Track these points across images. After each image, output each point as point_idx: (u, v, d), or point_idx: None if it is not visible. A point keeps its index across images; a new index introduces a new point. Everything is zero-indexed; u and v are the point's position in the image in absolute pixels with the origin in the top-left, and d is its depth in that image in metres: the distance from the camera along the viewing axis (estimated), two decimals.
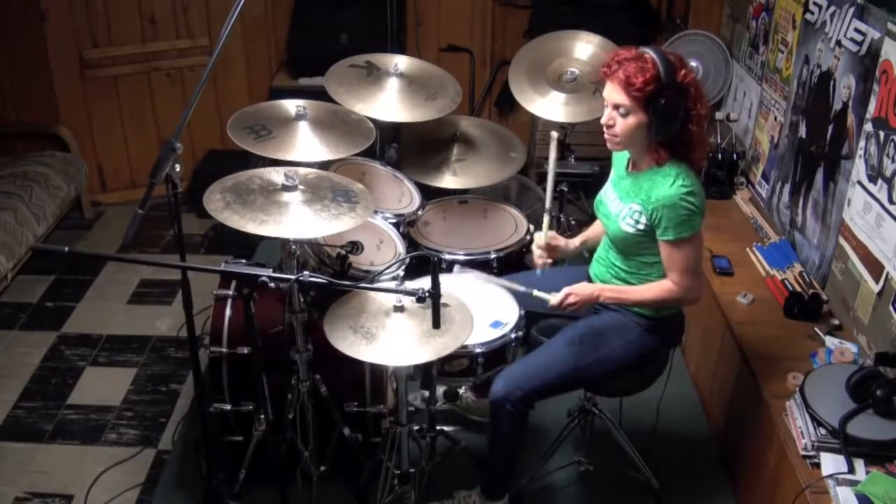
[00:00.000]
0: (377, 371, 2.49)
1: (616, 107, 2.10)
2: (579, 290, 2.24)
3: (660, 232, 2.13)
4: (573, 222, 3.58)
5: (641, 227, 2.17)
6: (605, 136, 2.17)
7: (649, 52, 2.06)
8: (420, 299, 1.86)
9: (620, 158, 2.32)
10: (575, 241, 2.50)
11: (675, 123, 2.08)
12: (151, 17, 4.28)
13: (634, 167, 2.24)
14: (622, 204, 2.23)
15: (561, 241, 2.45)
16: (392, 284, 1.98)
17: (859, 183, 2.64)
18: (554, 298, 2.24)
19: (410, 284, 1.93)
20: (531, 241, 2.80)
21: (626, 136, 2.13)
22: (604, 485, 2.70)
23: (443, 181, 2.98)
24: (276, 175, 2.16)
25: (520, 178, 3.65)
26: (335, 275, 2.36)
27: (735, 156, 3.65)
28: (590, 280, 2.42)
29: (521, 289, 2.31)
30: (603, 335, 2.30)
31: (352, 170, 2.95)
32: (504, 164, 3.04)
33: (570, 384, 2.35)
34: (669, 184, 2.10)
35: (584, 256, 2.54)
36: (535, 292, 2.28)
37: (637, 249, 2.24)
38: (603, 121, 2.15)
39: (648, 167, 2.17)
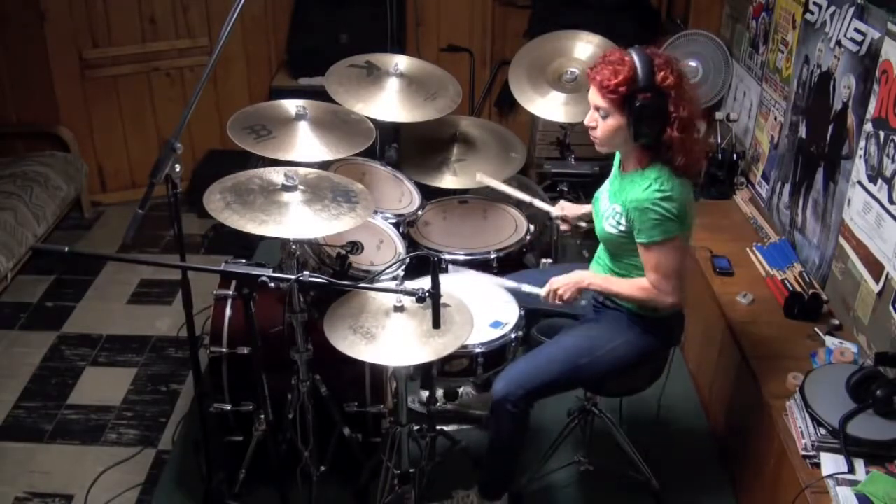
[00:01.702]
0: (377, 371, 2.49)
1: (597, 108, 2.12)
2: (563, 277, 2.27)
3: (635, 234, 2.15)
4: None
5: (622, 228, 2.18)
6: (591, 136, 2.20)
7: (631, 55, 2.06)
8: (420, 299, 1.86)
9: (617, 158, 2.34)
10: (585, 207, 2.55)
11: (654, 126, 2.07)
12: (151, 17, 4.29)
13: (626, 168, 2.26)
14: (608, 204, 2.25)
15: (570, 209, 2.54)
16: (392, 284, 1.98)
17: (859, 183, 2.64)
18: (542, 290, 2.28)
19: (410, 284, 1.93)
20: (531, 242, 2.82)
21: (606, 138, 2.15)
22: (604, 485, 2.70)
23: (443, 181, 2.98)
24: (276, 175, 2.16)
25: (520, 178, 3.64)
26: (335, 275, 2.36)
27: (735, 156, 3.65)
28: None
29: (513, 284, 2.35)
30: (603, 334, 2.31)
31: (352, 170, 2.95)
32: (504, 164, 3.04)
33: (570, 383, 2.35)
34: (644, 187, 2.10)
35: (583, 257, 2.55)
36: (525, 287, 2.32)
37: (622, 250, 2.25)
38: (585, 122, 2.18)
39: (634, 169, 2.18)
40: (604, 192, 2.34)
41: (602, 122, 2.12)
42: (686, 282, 2.24)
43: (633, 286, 2.23)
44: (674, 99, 2.06)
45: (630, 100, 2.04)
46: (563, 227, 2.61)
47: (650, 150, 2.13)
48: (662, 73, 2.05)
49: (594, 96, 2.11)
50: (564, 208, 2.60)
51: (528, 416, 2.29)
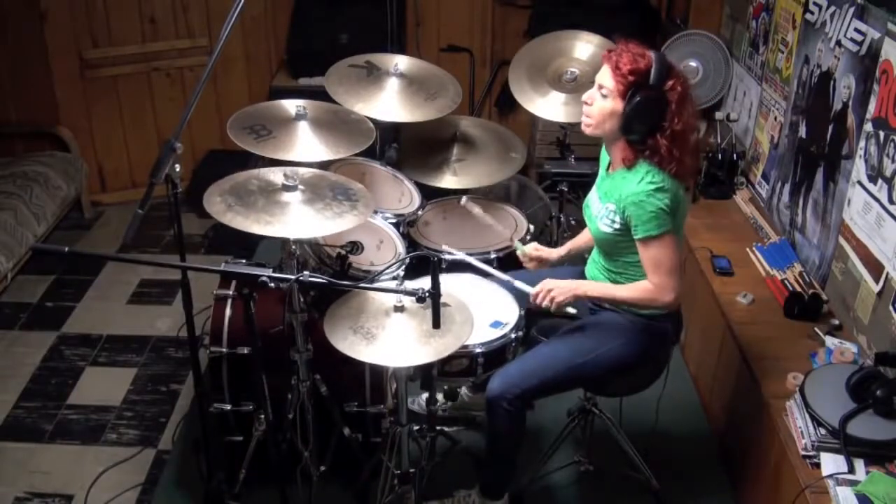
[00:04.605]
0: (377, 371, 2.49)
1: (600, 87, 2.14)
2: (558, 283, 2.24)
3: (632, 229, 2.15)
4: (573, 222, 3.58)
5: (617, 226, 2.18)
6: (582, 115, 2.21)
7: (651, 53, 2.10)
8: (420, 299, 1.86)
9: (604, 159, 2.35)
10: (560, 251, 2.52)
11: (644, 127, 2.10)
12: (151, 17, 4.29)
13: (612, 167, 2.27)
14: (601, 204, 2.26)
15: (544, 252, 2.47)
16: (392, 284, 1.98)
17: (859, 183, 2.64)
18: (533, 290, 2.26)
19: (410, 284, 1.93)
20: (530, 242, 2.80)
21: (597, 119, 2.16)
22: (604, 485, 2.70)
23: (443, 181, 2.98)
24: (275, 176, 2.16)
25: (520, 178, 3.65)
26: (335, 275, 2.36)
27: (735, 156, 3.65)
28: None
29: (505, 277, 2.35)
30: (600, 334, 2.31)
31: (352, 170, 2.95)
32: (504, 164, 3.04)
33: (567, 383, 2.35)
34: (637, 180, 2.12)
35: (583, 256, 2.55)
36: (518, 283, 2.32)
37: (618, 249, 2.25)
38: (583, 97, 2.20)
39: (621, 166, 2.19)
40: (593, 196, 2.35)
41: (599, 102, 2.15)
42: (684, 281, 2.24)
43: (633, 289, 2.22)
44: (673, 110, 2.09)
45: (634, 90, 2.07)
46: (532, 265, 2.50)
47: (635, 149, 2.14)
48: (672, 82, 2.09)
49: (603, 76, 2.13)
50: (540, 256, 2.48)
51: (524, 416, 2.29)
